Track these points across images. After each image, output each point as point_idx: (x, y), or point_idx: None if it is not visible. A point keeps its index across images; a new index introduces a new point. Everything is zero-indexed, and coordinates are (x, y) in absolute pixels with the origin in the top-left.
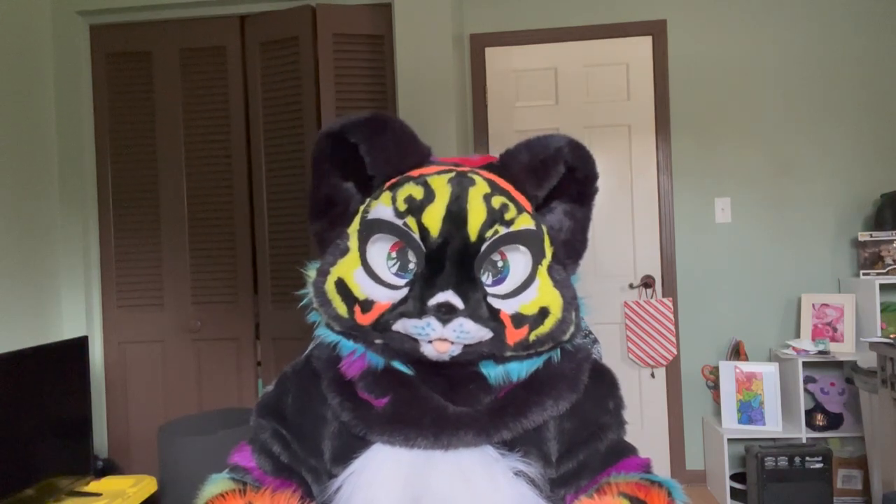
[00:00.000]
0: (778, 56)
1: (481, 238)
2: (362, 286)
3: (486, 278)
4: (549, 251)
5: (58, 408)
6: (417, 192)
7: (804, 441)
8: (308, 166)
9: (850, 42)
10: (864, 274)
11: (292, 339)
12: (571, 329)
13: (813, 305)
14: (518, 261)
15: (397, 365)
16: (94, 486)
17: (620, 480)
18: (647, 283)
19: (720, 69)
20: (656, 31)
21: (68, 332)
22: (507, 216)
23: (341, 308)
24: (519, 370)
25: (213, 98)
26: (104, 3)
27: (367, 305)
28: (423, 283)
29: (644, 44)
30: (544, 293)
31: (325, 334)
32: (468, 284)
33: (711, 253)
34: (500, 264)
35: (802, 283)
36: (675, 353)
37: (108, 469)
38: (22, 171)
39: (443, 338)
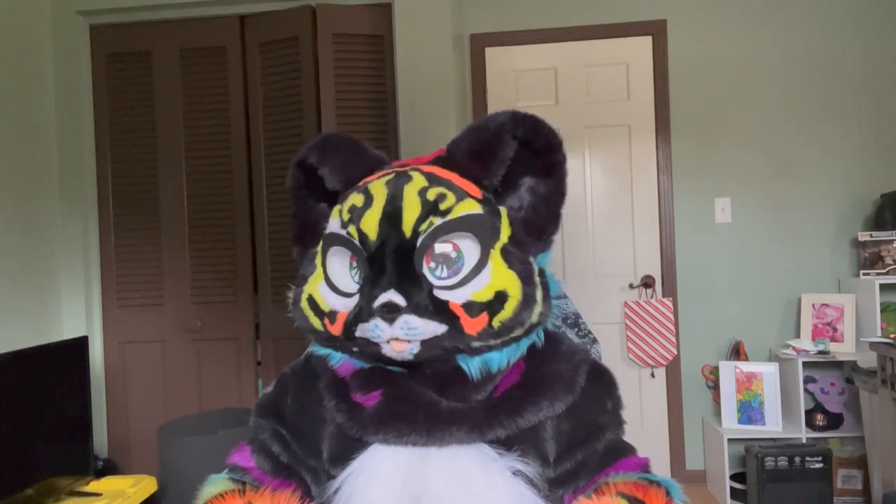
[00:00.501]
0: (778, 56)
1: (416, 233)
2: (326, 299)
3: (441, 271)
4: (504, 233)
5: (58, 408)
6: (358, 200)
7: (804, 441)
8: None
9: (850, 42)
10: (864, 274)
11: (292, 339)
12: (538, 308)
13: (813, 305)
14: (466, 248)
15: (387, 367)
16: (94, 486)
17: (619, 480)
18: (647, 283)
19: (720, 69)
20: (656, 31)
21: (68, 332)
22: (443, 206)
23: (315, 322)
24: (500, 360)
25: (213, 98)
26: (104, 3)
27: (332, 317)
28: (369, 287)
29: (644, 44)
30: (498, 277)
31: (316, 349)
32: (409, 281)
33: (711, 253)
34: (453, 255)
35: (802, 283)
36: (675, 353)
37: (108, 469)
38: (22, 171)
39: (394, 337)
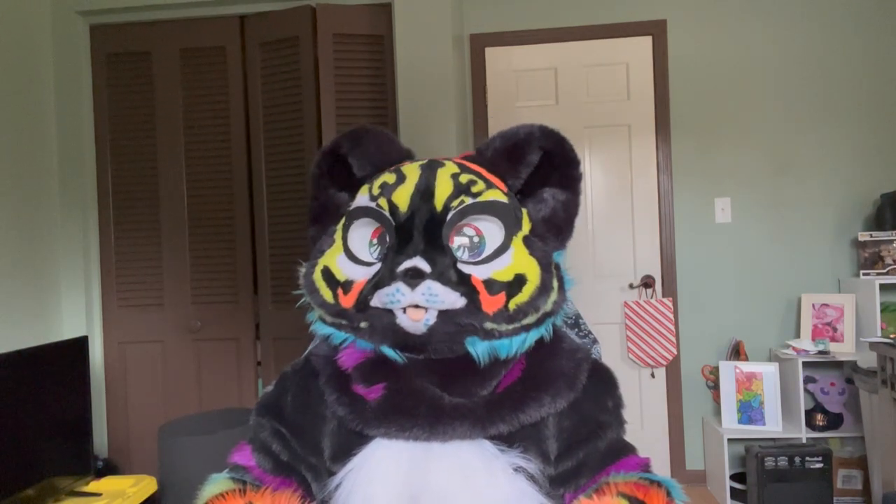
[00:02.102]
0: (778, 56)
1: (447, 208)
2: (343, 269)
3: (462, 253)
4: (526, 225)
5: (58, 408)
6: (390, 178)
7: (804, 441)
8: (308, 176)
9: (850, 42)
10: (864, 274)
11: (292, 339)
12: (553, 297)
13: (813, 305)
14: (490, 230)
15: (388, 352)
16: (94, 486)
17: (619, 480)
18: (647, 283)
19: (720, 69)
20: (656, 31)
21: (68, 332)
22: (475, 189)
23: (327, 294)
24: (508, 347)
25: (213, 98)
26: (104, 3)
27: (347, 286)
28: (394, 254)
29: (644, 44)
30: (519, 260)
31: (318, 328)
32: (436, 251)
33: (711, 253)
34: (476, 239)
35: (802, 283)
36: (675, 353)
37: (108, 469)
38: (22, 171)
39: (414, 303)
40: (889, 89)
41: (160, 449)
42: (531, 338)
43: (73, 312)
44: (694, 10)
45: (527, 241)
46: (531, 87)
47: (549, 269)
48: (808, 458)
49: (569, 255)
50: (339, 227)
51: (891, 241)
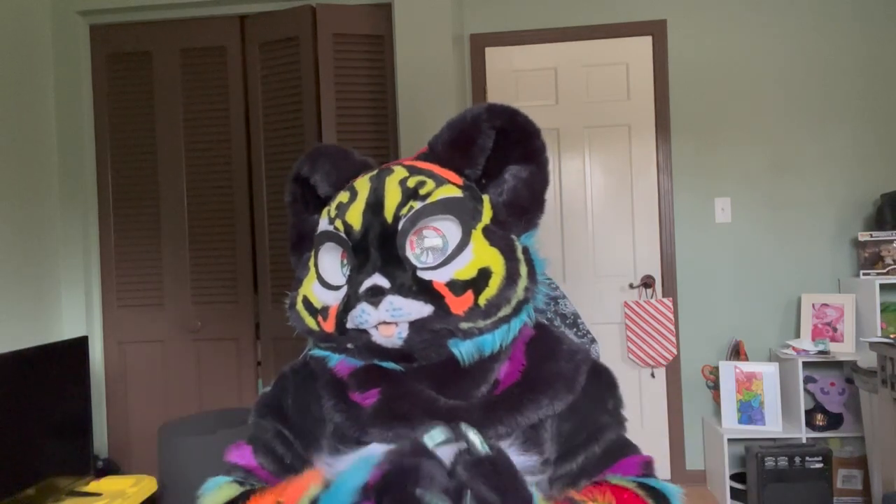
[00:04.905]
0: (778, 56)
1: (397, 218)
2: (318, 296)
3: (427, 256)
4: (486, 215)
5: (58, 408)
6: (344, 198)
7: (804, 441)
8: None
9: (850, 42)
10: (864, 274)
11: (292, 339)
12: (523, 283)
13: (813, 305)
14: (446, 229)
15: (384, 364)
16: (94, 486)
17: (615, 483)
18: (647, 283)
19: (720, 69)
20: (656, 31)
21: (68, 332)
22: (423, 191)
23: (310, 322)
24: (492, 343)
25: (213, 98)
26: (104, 3)
27: (324, 313)
28: (356, 274)
29: (644, 44)
30: (480, 254)
31: (315, 352)
32: (393, 264)
33: (711, 253)
34: (440, 244)
35: (802, 283)
36: (675, 353)
37: (108, 469)
38: (22, 172)
39: (382, 320)
40: (889, 89)
41: (160, 449)
42: (514, 328)
43: (73, 312)
44: (694, 10)
45: (486, 231)
46: (531, 87)
47: (514, 257)
48: (808, 458)
49: (569, 255)
50: (312, 253)
51: (891, 241)
